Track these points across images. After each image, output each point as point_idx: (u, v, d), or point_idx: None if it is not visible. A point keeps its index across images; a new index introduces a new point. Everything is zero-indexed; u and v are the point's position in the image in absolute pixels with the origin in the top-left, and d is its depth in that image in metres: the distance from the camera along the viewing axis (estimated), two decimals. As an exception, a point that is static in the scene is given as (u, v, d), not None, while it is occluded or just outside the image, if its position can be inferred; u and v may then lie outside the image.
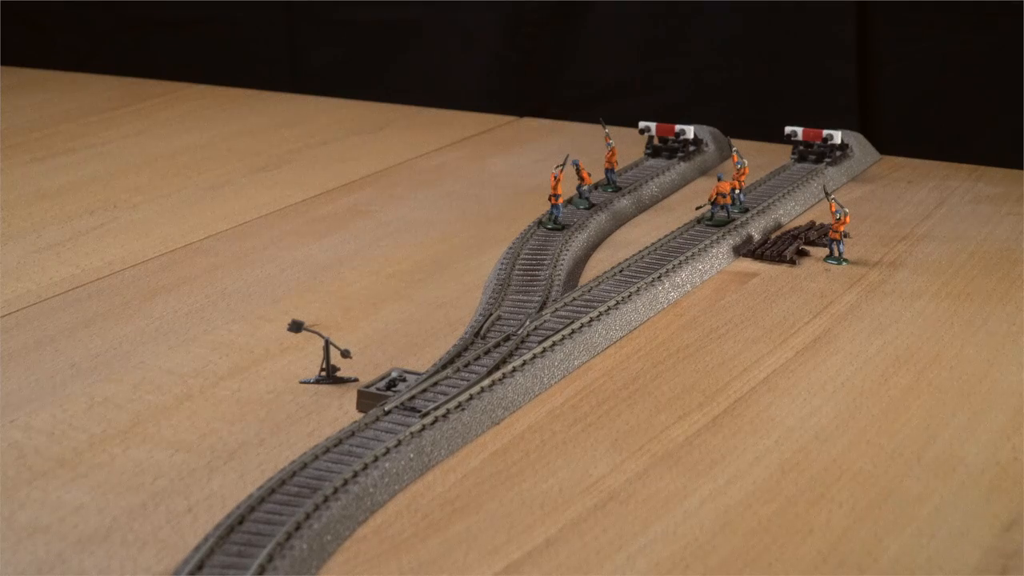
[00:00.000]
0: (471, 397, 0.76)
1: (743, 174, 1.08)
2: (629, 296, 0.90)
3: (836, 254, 1.00)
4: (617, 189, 1.13)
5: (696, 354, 0.85)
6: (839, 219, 1.00)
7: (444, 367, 0.79)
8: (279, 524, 0.63)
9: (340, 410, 0.78)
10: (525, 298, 0.90)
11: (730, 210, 1.05)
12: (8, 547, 0.64)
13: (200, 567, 0.60)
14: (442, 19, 1.58)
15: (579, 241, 1.02)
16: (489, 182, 1.21)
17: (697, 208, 1.05)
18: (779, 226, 1.06)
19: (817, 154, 1.21)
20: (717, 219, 1.05)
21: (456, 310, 0.91)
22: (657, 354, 0.85)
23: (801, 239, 1.03)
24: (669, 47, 1.45)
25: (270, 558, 0.61)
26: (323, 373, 0.81)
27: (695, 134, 1.24)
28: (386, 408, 0.74)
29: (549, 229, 1.03)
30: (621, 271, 0.95)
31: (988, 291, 0.95)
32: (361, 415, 0.75)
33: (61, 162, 1.30)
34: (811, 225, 1.06)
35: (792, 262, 0.99)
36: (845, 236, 1.02)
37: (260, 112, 1.50)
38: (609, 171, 1.14)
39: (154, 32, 1.72)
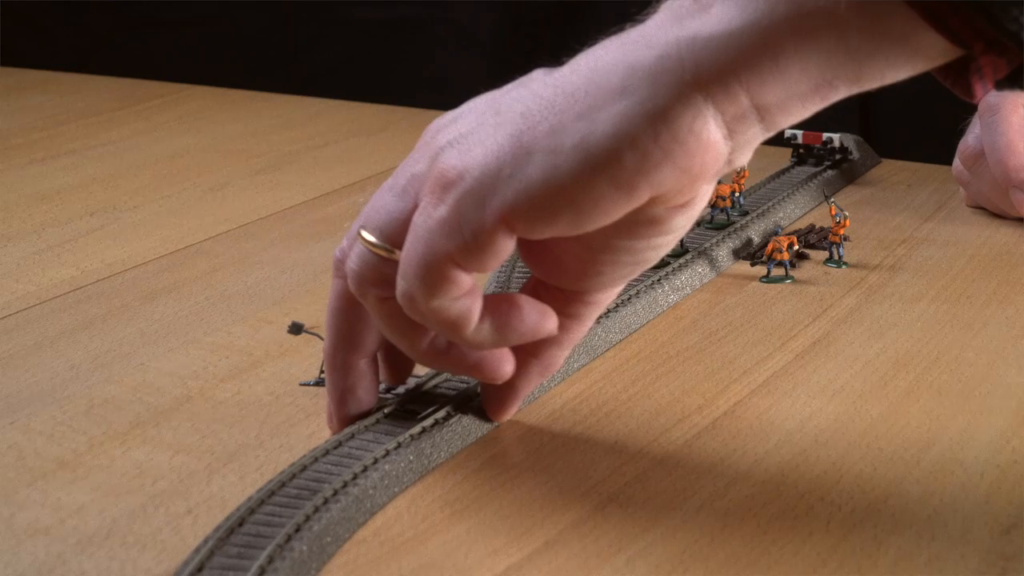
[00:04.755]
0: (471, 399, 0.76)
1: (743, 177, 1.08)
2: (629, 299, 0.90)
3: (836, 257, 1.01)
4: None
5: (696, 357, 0.85)
6: (839, 222, 1.00)
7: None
8: (279, 526, 0.63)
9: (340, 412, 0.78)
10: (525, 300, 0.90)
11: (730, 213, 1.05)
12: (8, 549, 0.65)
13: (200, 569, 0.60)
14: (442, 19, 1.58)
15: (579, 243, 1.02)
16: (489, 184, 1.21)
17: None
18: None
19: (817, 157, 1.21)
20: (717, 222, 1.05)
21: (456, 312, 0.91)
22: (657, 357, 0.85)
23: (801, 242, 1.03)
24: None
25: (270, 560, 0.61)
26: (323, 375, 0.81)
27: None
28: (386, 411, 0.74)
29: None
30: (621, 274, 0.94)
31: (988, 294, 0.95)
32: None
33: (61, 163, 1.30)
34: (811, 228, 1.06)
35: (792, 264, 0.99)
36: (845, 239, 1.02)
37: (260, 114, 1.50)
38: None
39: (155, 33, 1.72)
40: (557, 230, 0.65)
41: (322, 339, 0.81)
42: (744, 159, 0.65)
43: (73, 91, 1.61)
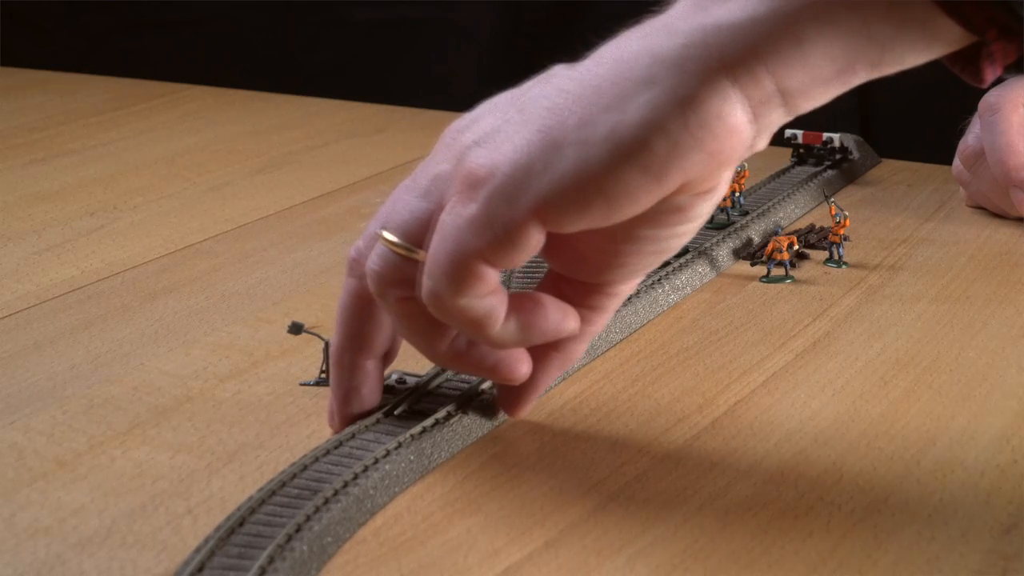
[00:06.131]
0: (471, 399, 0.76)
1: (743, 177, 1.08)
2: (629, 299, 0.90)
3: (836, 257, 1.01)
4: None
5: (696, 357, 0.85)
6: (839, 222, 1.00)
7: (445, 369, 0.79)
8: (279, 526, 0.63)
9: (340, 412, 0.78)
10: (525, 300, 0.90)
11: (730, 213, 1.05)
12: (8, 549, 0.64)
13: (200, 569, 0.60)
14: (442, 20, 1.58)
15: (579, 243, 1.02)
16: (489, 184, 1.21)
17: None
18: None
19: (817, 157, 1.21)
20: (717, 222, 1.05)
21: (456, 312, 0.91)
22: (657, 357, 0.85)
23: (801, 242, 1.03)
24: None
25: (270, 560, 0.61)
26: (323, 375, 0.81)
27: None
28: (386, 410, 0.74)
29: None
30: (621, 273, 0.94)
31: (988, 294, 0.95)
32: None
33: (61, 163, 1.30)
34: (811, 228, 1.06)
35: (792, 264, 0.99)
36: (845, 239, 1.02)
37: (260, 113, 1.50)
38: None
39: (154, 33, 1.72)
40: (588, 222, 0.65)
41: (322, 339, 0.81)
42: (764, 143, 0.66)
43: (73, 91, 1.61)
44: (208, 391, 0.81)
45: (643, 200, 0.64)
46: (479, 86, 1.67)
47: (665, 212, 0.67)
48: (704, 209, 0.68)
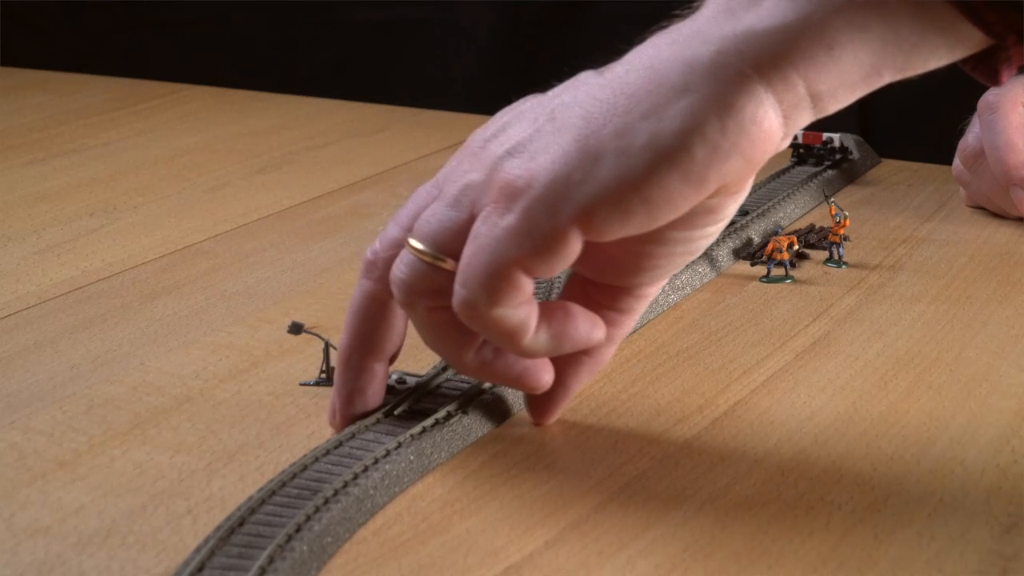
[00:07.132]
0: (471, 399, 0.76)
1: (743, 177, 1.08)
2: (629, 298, 0.90)
3: (836, 257, 1.01)
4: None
5: (696, 357, 0.85)
6: (839, 222, 1.00)
7: (445, 369, 0.79)
8: (279, 526, 0.63)
9: (340, 412, 0.78)
10: (525, 300, 0.90)
11: (730, 213, 1.05)
12: (8, 549, 0.64)
13: (200, 569, 0.60)
14: (441, 20, 1.58)
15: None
16: (489, 184, 1.21)
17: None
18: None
19: (817, 157, 1.21)
20: (717, 222, 1.04)
21: (456, 312, 0.91)
22: (657, 357, 0.85)
23: (801, 242, 1.03)
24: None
25: (270, 560, 0.61)
26: (323, 375, 0.81)
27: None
28: (386, 410, 0.74)
29: None
30: (621, 273, 0.94)
31: (988, 294, 0.95)
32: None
33: (61, 163, 1.30)
34: (811, 228, 1.06)
35: (792, 264, 0.99)
36: (845, 239, 1.02)
37: (260, 114, 1.50)
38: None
39: (154, 33, 1.72)
40: (629, 229, 0.65)
41: (322, 339, 0.81)
42: (787, 143, 0.67)
43: (72, 91, 1.61)
44: (208, 391, 0.81)
45: (682, 205, 0.65)
46: (479, 86, 1.68)
47: (697, 214, 0.67)
48: (732, 209, 0.69)
